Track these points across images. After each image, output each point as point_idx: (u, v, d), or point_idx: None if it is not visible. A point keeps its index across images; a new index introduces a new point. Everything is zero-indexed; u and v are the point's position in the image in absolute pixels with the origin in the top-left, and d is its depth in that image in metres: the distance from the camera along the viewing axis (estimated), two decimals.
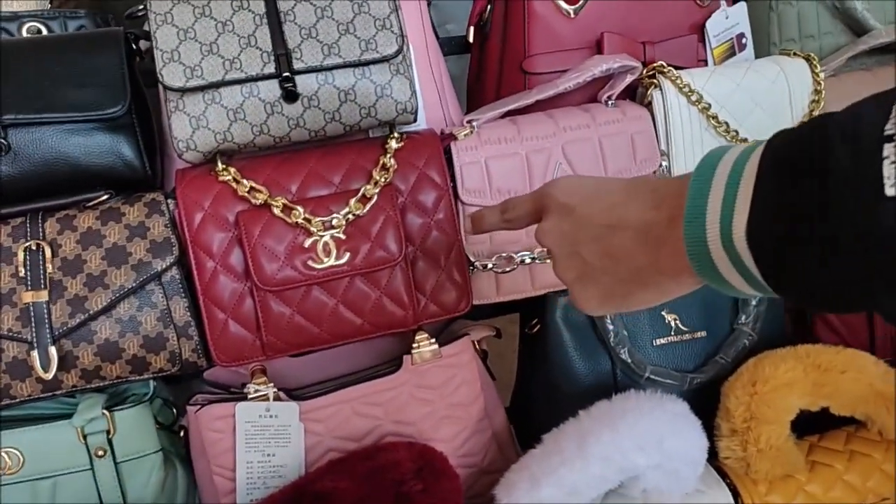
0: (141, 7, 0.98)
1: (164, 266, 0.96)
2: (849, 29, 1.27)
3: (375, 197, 1.00)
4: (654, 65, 1.12)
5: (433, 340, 1.04)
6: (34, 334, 0.91)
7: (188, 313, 0.98)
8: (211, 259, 0.98)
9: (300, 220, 0.97)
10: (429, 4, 1.18)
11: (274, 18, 0.96)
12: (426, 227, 1.03)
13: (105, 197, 0.99)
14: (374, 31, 0.98)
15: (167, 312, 0.97)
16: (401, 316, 1.03)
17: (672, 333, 1.13)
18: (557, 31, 1.15)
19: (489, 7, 1.22)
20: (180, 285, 0.98)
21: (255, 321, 0.99)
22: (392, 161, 1.02)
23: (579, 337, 1.12)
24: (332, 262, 0.98)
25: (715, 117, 1.10)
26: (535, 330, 1.15)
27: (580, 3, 1.15)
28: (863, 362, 1.04)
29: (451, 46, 1.38)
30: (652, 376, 1.09)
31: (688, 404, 1.03)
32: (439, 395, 1.06)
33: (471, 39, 1.25)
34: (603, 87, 1.13)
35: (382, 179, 1.00)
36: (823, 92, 1.12)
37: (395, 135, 1.03)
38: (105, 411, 0.97)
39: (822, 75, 1.14)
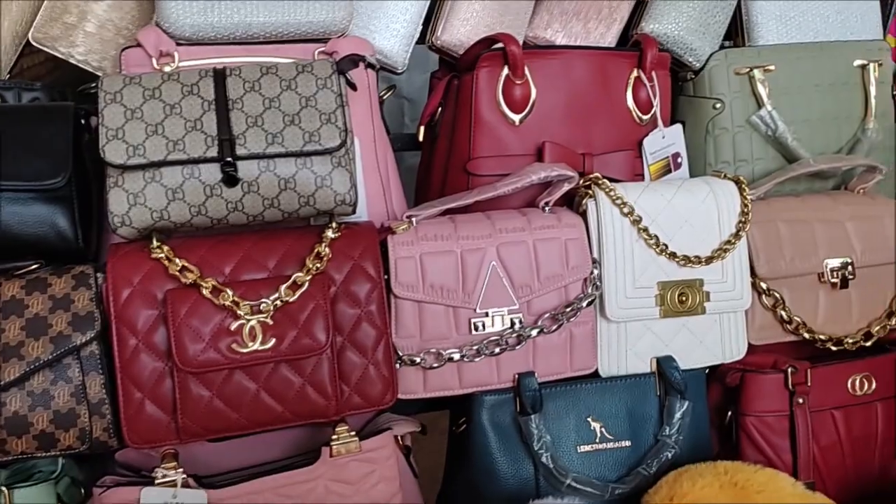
0: (93, 84, 1.01)
1: (83, 340, 0.95)
2: (780, 156, 1.33)
3: (307, 284, 1.01)
4: (591, 176, 1.16)
5: (353, 434, 1.03)
6: None
7: (104, 390, 0.97)
8: (134, 336, 0.97)
9: (228, 303, 0.97)
10: (381, 103, 1.22)
11: (222, 105, 0.99)
12: (356, 317, 1.04)
13: (34, 266, 0.98)
14: (319, 125, 1.01)
15: (82, 388, 0.95)
16: (323, 406, 1.02)
17: (597, 441, 1.13)
18: (502, 137, 1.20)
19: (440, 109, 1.27)
20: (99, 361, 0.97)
21: (172, 403, 0.98)
22: (327, 250, 1.03)
23: (504, 439, 1.11)
24: (256, 346, 0.98)
25: (646, 230, 1.13)
26: (462, 429, 1.14)
27: (525, 112, 1.20)
28: (781, 483, 1.04)
29: (405, 142, 1.43)
30: (573, 484, 1.08)
31: None
32: (356, 491, 1.04)
33: (420, 138, 1.29)
34: (542, 193, 1.17)
35: (315, 268, 1.01)
36: (750, 214, 1.17)
37: (333, 225, 1.05)
38: (4, 488, 0.94)
39: (750, 198, 1.19)
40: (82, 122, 1.04)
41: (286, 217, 1.03)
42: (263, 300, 0.99)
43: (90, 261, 1.04)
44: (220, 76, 1.01)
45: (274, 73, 1.02)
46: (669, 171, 1.28)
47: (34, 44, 1.12)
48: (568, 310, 1.10)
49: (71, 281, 0.97)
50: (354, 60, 1.06)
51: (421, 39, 1.27)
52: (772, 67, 1.32)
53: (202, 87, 1.00)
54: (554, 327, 1.10)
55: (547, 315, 1.10)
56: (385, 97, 1.24)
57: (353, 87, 1.07)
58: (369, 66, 1.12)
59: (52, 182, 0.97)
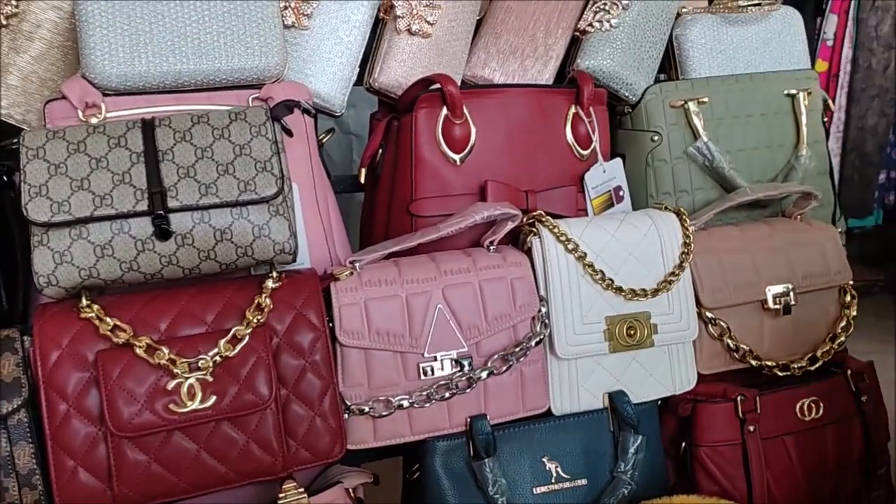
0: (15, 140, 0.97)
1: (10, 409, 0.90)
2: (718, 185, 1.36)
3: (247, 338, 0.97)
4: (534, 214, 1.16)
5: (301, 490, 0.99)
6: None
7: (33, 460, 0.91)
8: (64, 401, 0.92)
9: (164, 361, 0.93)
10: (320, 147, 1.20)
11: (152, 157, 0.96)
12: (301, 368, 1.01)
13: None
14: (255, 173, 0.98)
15: (9, 459, 0.90)
16: (269, 463, 0.98)
17: (553, 481, 1.11)
18: (444, 177, 1.19)
19: (381, 150, 1.26)
20: (27, 429, 0.92)
21: (107, 470, 0.93)
22: (268, 301, 1.00)
23: (459, 484, 1.08)
24: (196, 405, 0.94)
25: (591, 266, 1.13)
26: (415, 476, 1.11)
27: (465, 151, 1.20)
28: None
29: (346, 184, 1.42)
30: None
31: None
32: None
33: (362, 180, 1.28)
34: (486, 232, 1.16)
35: (256, 320, 0.98)
36: (693, 245, 1.18)
37: (274, 274, 1.02)
38: None
39: (691, 228, 1.20)
40: (4, 178, 0.99)
41: (224, 269, 1.00)
42: (202, 356, 0.95)
43: (17, 323, 0.99)
44: (148, 127, 0.98)
45: (206, 122, 1.00)
46: (612, 205, 1.29)
47: None
48: (517, 350, 1.09)
49: None
50: (289, 106, 1.05)
51: (359, 81, 1.27)
52: (705, 99, 1.35)
53: (130, 138, 0.97)
54: (504, 368, 1.08)
55: (496, 356, 1.09)
56: (324, 140, 1.22)
57: (288, 133, 1.05)
58: (305, 111, 1.10)
59: None
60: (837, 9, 2.67)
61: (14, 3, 1.08)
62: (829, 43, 2.69)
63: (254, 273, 1.07)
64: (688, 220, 1.20)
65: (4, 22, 1.08)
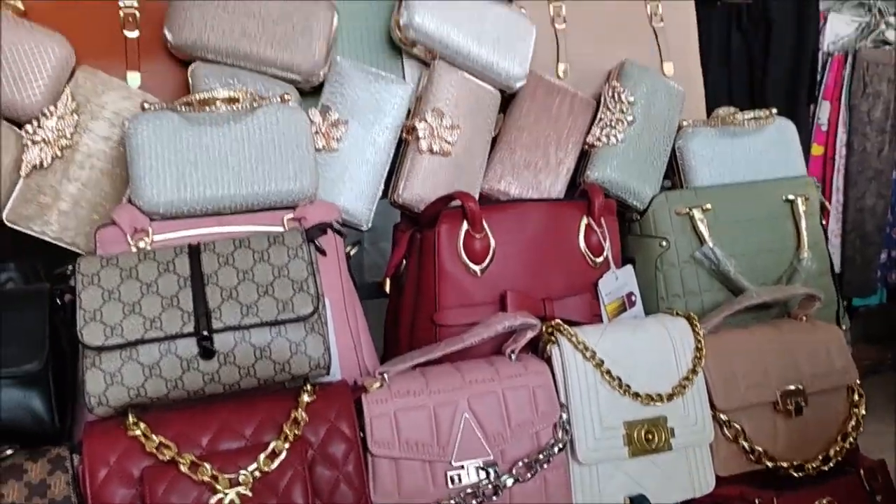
0: (69, 267, 1.04)
1: None
2: (725, 287, 1.42)
3: (284, 452, 1.02)
4: (553, 323, 1.22)
5: None
6: None
7: None
8: None
9: (206, 478, 0.98)
10: (348, 259, 1.27)
11: (198, 281, 1.03)
12: (334, 480, 1.05)
13: (9, 452, 0.98)
14: (292, 293, 1.05)
15: None
16: None
17: None
18: (465, 288, 1.26)
19: (405, 261, 1.33)
20: None
21: None
22: (303, 415, 1.05)
23: None
24: None
25: (608, 372, 1.19)
26: None
27: (486, 263, 1.27)
28: None
29: (371, 291, 1.48)
30: None
31: None
32: None
33: (387, 289, 1.34)
34: (507, 340, 1.22)
35: (293, 434, 1.03)
36: (704, 349, 1.24)
37: (308, 388, 1.07)
38: None
39: (702, 332, 1.26)
40: (58, 301, 1.06)
41: (261, 384, 1.06)
42: (242, 472, 0.99)
43: (66, 440, 1.04)
44: (194, 252, 1.06)
45: (247, 246, 1.07)
46: (625, 310, 1.35)
47: (7, 224, 1.16)
48: (541, 456, 1.13)
49: (47, 465, 0.97)
50: (322, 228, 1.12)
51: (384, 194, 1.35)
52: (709, 206, 1.43)
53: (178, 263, 1.04)
54: (529, 475, 1.12)
55: (521, 463, 1.13)
56: (352, 253, 1.29)
57: (322, 252, 1.13)
58: (337, 232, 1.18)
59: (29, 367, 0.98)
60: (830, 96, 2.78)
61: (69, 135, 1.17)
62: (824, 128, 2.80)
63: (288, 386, 1.13)
64: (699, 325, 1.26)
65: (59, 154, 1.17)
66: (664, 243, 1.42)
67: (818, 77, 2.16)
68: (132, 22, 1.29)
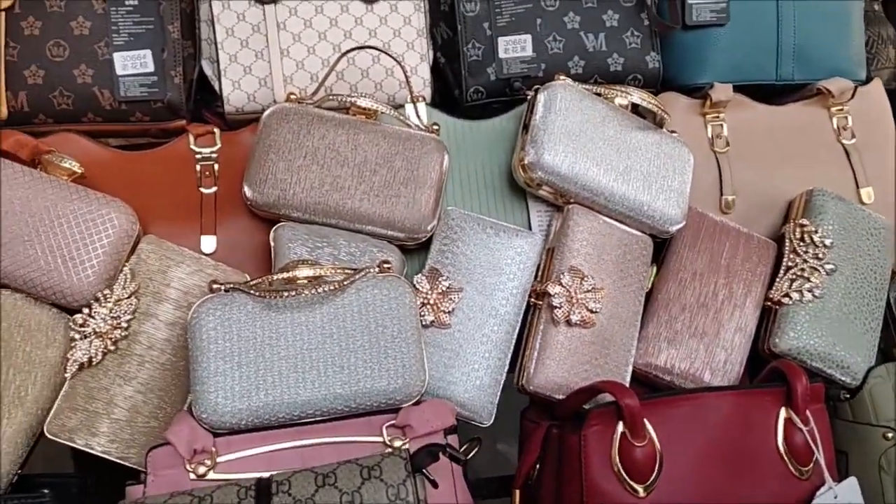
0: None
1: None
2: None
3: None
4: None
5: None
6: None
7: None
8: None
9: None
10: (464, 466, 0.98)
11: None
12: None
13: None
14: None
15: None
16: None
17: None
18: None
19: (537, 466, 1.02)
20: None
21: None
22: None
23: None
24: None
25: None
26: None
27: (650, 479, 0.94)
28: None
29: (486, 489, 1.17)
30: None
31: None
32: None
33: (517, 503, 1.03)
34: None
35: None
36: None
37: None
38: None
39: None
40: None
41: None
42: None
43: None
44: (264, 494, 0.79)
45: (332, 485, 0.80)
46: None
47: (48, 436, 0.94)
48: None
49: None
50: (433, 453, 0.83)
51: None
52: None
53: None
54: None
55: None
56: (471, 457, 1.00)
57: (434, 484, 0.84)
58: (454, 459, 0.89)
59: None
60: None
61: (125, 324, 0.96)
62: None
63: None
64: None
65: (113, 347, 0.95)
66: (890, 435, 1.06)
67: None
68: (209, 176, 1.10)
